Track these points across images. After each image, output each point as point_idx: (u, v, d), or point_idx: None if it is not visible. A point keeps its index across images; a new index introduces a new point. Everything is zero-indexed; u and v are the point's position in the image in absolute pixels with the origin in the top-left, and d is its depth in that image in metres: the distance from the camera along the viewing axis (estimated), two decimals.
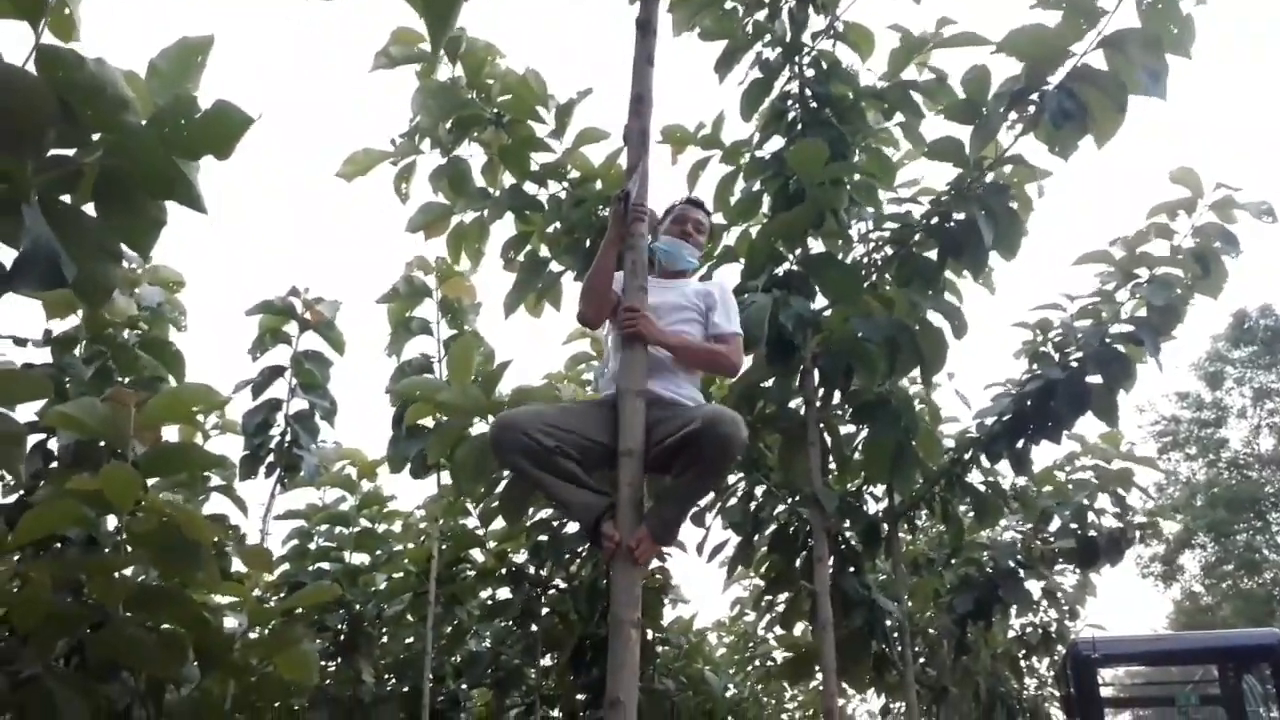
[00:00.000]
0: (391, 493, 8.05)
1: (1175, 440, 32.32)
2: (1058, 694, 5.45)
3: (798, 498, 6.04)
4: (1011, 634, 12.40)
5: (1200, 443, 31.81)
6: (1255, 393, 31.88)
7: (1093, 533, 9.23)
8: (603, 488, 3.10)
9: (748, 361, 5.35)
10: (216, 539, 5.60)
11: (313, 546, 7.97)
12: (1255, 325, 31.85)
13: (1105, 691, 4.84)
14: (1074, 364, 6.00)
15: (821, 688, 4.89)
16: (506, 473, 5.29)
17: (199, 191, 2.40)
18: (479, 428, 5.78)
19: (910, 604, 8.65)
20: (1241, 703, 4.94)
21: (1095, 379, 5.96)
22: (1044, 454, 13.50)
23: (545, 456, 3.03)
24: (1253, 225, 5.78)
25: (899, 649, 6.70)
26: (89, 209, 2.45)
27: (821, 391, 5.32)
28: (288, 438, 7.48)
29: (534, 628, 7.69)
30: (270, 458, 7.41)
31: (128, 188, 2.37)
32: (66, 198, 2.42)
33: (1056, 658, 14.14)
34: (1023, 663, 13.10)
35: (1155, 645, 5.18)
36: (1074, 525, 9.17)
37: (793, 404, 5.38)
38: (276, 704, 6.40)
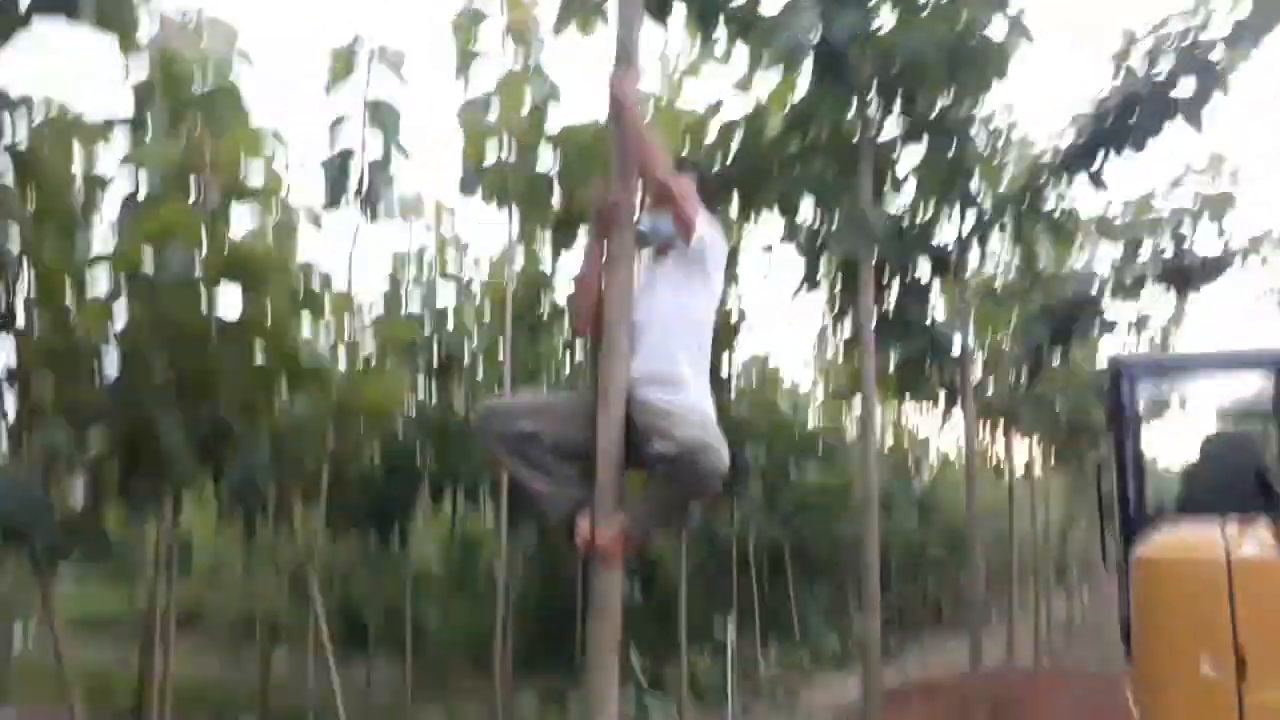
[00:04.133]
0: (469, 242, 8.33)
1: None
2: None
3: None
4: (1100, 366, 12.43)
5: None
6: None
7: (1187, 259, 9.04)
8: (574, 482, 3.00)
9: (803, 88, 5.20)
10: (303, 277, 6.01)
11: (403, 292, 8.40)
12: None
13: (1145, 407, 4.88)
14: (1159, 77, 5.61)
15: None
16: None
17: None
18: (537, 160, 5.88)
19: (983, 334, 8.71)
20: (1264, 418, 4.95)
21: (1183, 90, 5.59)
22: (1140, 182, 12.86)
23: (520, 443, 2.96)
24: None
25: (958, 374, 6.82)
26: None
27: (879, 111, 5.14)
28: (366, 182, 7.68)
29: None
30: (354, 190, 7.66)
31: None
32: None
33: None
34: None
35: (1193, 360, 5.11)
36: (1166, 251, 8.97)
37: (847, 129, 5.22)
38: (371, 425, 7.02)
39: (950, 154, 5.06)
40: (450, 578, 12.35)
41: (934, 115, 5.00)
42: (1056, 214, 6.95)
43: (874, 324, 5.23)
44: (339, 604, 10.13)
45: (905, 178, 5.56)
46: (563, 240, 5.46)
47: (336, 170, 7.79)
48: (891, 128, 5.16)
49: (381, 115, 7.62)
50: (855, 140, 5.05)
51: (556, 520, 3.00)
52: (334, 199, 7.44)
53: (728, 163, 5.29)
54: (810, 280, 6.75)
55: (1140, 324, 11.36)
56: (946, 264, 6.86)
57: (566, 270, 7.70)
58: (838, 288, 6.86)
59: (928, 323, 6.70)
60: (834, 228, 6.26)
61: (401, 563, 10.69)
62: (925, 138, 5.06)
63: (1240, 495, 4.32)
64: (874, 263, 6.37)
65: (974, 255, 7.32)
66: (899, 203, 6.33)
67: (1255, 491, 4.40)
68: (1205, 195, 9.08)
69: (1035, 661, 11.55)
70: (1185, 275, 9.35)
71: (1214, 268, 9.34)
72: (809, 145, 5.21)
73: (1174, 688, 3.81)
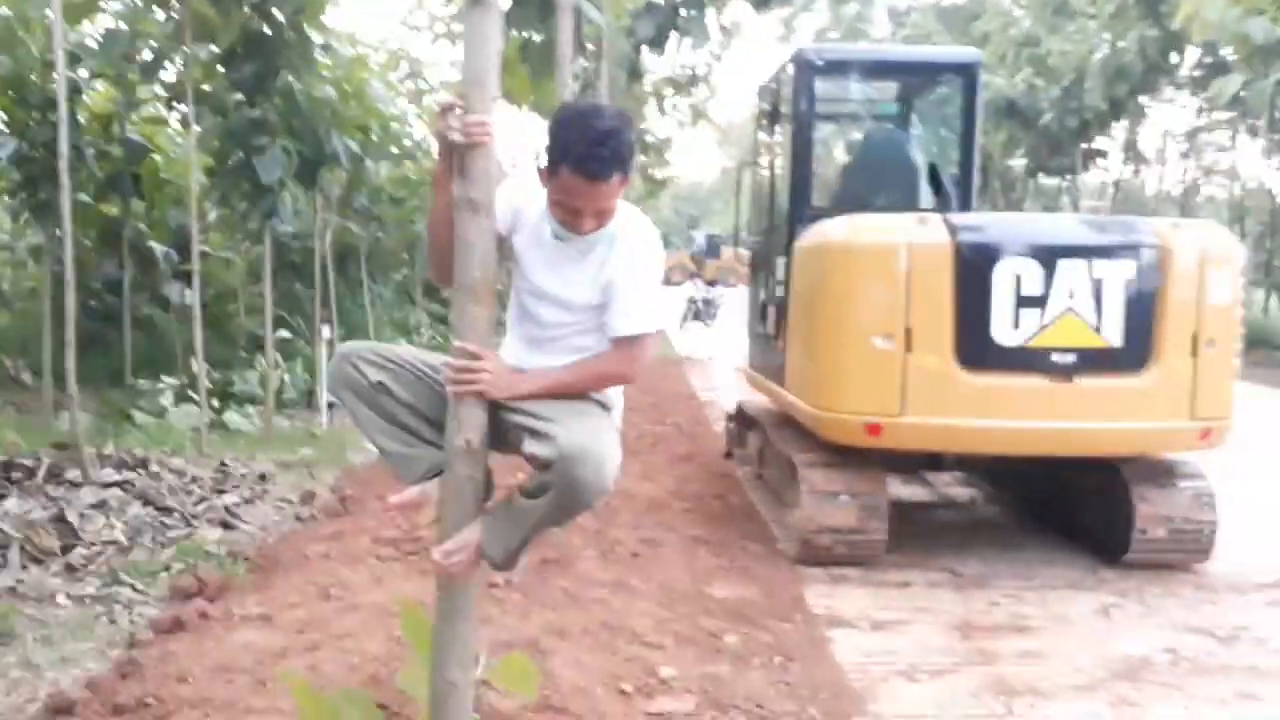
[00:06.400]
0: None
1: None
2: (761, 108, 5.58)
3: None
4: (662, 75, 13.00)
5: None
6: None
7: None
8: (433, 445, 2.29)
9: None
10: None
11: None
12: None
13: (821, 108, 5.02)
14: None
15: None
16: None
17: None
18: None
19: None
20: (910, 119, 5.46)
21: None
22: None
23: (370, 393, 2.31)
24: None
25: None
26: None
27: None
28: None
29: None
30: None
31: None
32: None
33: (692, 99, 15.02)
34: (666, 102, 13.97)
35: (872, 57, 5.41)
36: None
37: None
38: None
39: None
40: None
41: None
42: None
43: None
44: None
45: None
46: None
47: None
48: None
49: None
50: None
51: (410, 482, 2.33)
52: None
53: None
54: None
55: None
56: None
57: None
58: None
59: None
60: None
61: None
62: None
63: (897, 190, 4.72)
64: None
65: None
66: None
67: (911, 186, 4.83)
68: None
69: None
70: None
71: None
72: None
73: (846, 361, 4.18)
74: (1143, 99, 20.58)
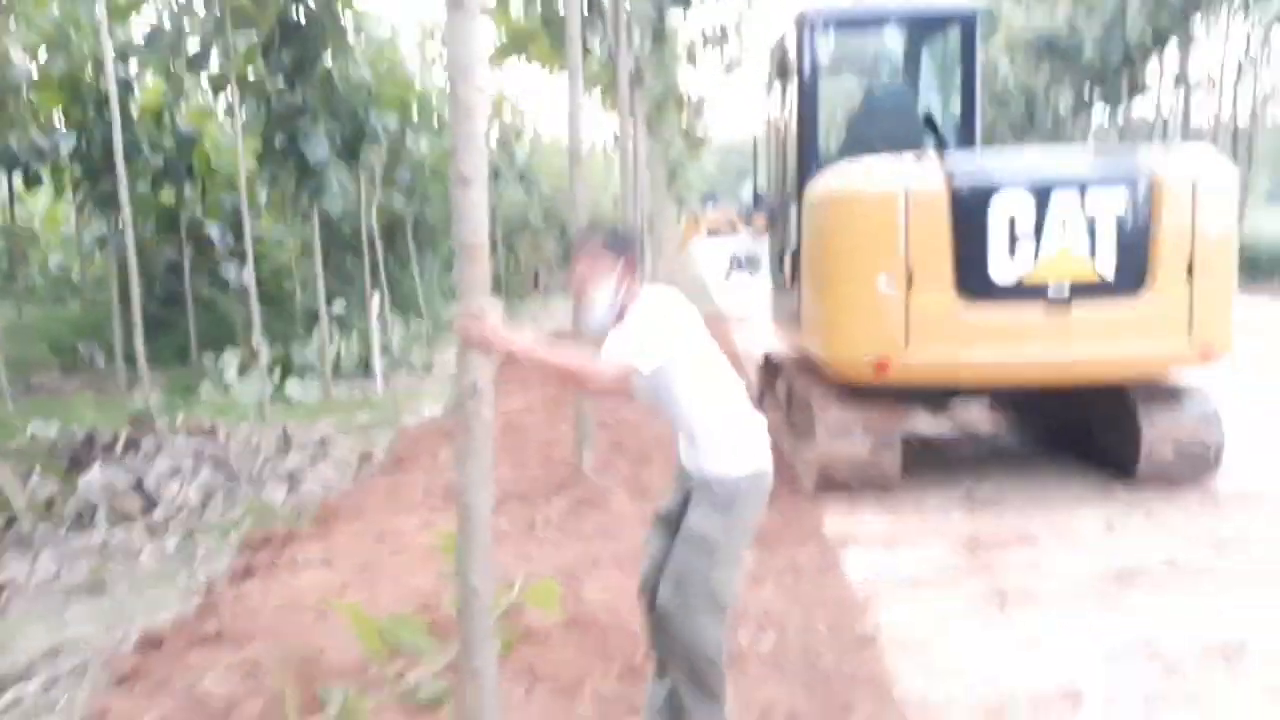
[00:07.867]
0: None
1: None
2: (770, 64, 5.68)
3: None
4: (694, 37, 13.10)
5: None
6: None
7: None
8: None
9: None
10: None
11: None
12: None
13: (825, 63, 5.19)
14: None
15: None
16: None
17: None
18: None
19: None
20: (915, 69, 5.60)
21: None
22: None
23: None
24: None
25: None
26: None
27: None
28: None
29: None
30: None
31: None
32: None
33: (726, 47, 15.04)
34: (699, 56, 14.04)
35: (871, 13, 5.51)
36: None
37: None
38: None
39: None
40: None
41: None
42: None
43: None
44: None
45: None
46: None
47: None
48: None
49: None
50: None
51: None
52: None
53: None
54: None
55: None
56: None
57: None
58: None
59: None
60: None
61: None
62: None
63: (901, 138, 4.88)
64: None
65: None
66: None
67: (913, 134, 4.99)
68: None
69: None
70: None
71: None
72: None
73: (852, 303, 4.40)
74: (1197, 26, 20.01)
